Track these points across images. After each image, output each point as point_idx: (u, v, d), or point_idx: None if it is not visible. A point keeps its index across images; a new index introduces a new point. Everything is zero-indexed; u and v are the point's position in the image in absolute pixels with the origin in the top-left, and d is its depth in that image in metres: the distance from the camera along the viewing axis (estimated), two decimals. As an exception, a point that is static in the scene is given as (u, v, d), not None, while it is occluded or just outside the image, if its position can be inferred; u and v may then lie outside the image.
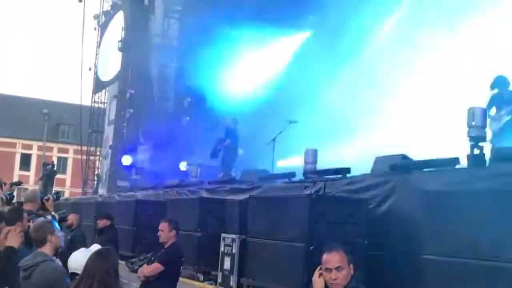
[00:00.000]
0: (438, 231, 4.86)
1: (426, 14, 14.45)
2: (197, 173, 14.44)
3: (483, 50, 12.41)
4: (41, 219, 5.10)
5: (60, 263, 4.52)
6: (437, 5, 14.08)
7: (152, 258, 6.50)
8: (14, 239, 4.59)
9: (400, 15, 15.88)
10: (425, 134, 12.59)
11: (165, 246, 6.45)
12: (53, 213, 6.34)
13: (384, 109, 14.28)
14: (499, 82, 9.96)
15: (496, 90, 9.98)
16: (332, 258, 3.68)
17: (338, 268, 3.64)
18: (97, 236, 9.49)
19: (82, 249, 4.47)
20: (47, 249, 4.48)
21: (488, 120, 7.39)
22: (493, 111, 9.78)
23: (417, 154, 7.58)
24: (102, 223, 9.37)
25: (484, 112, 6.45)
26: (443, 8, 13.82)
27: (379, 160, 7.89)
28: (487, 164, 5.96)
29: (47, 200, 6.66)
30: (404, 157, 7.58)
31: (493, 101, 9.97)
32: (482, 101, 9.62)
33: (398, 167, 7.01)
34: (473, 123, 6.26)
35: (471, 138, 6.20)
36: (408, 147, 8.02)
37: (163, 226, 6.51)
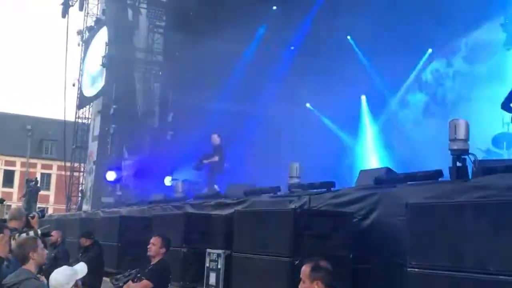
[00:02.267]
0: (422, 244, 4.88)
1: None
2: (182, 188, 14.40)
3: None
4: (24, 236, 5.06)
5: (45, 281, 4.49)
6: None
7: (138, 274, 6.46)
8: (0, 248, 4.55)
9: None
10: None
11: (152, 262, 6.42)
12: (37, 230, 6.29)
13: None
14: None
15: None
16: (302, 270, 4.04)
17: (301, 280, 3.97)
18: (82, 254, 9.42)
19: (65, 267, 4.44)
20: (30, 266, 4.44)
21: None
22: None
23: (400, 167, 7.65)
24: (84, 241, 9.33)
25: (467, 125, 6.49)
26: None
27: (363, 174, 7.94)
28: (470, 177, 6.02)
29: (33, 217, 6.62)
30: (388, 170, 7.65)
31: None
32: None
33: (382, 180, 7.06)
34: (455, 136, 6.32)
35: (453, 151, 6.26)
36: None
37: (156, 240, 6.49)
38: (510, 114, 8.76)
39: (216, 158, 14.14)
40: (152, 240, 6.53)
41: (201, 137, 15.35)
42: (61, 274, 4.11)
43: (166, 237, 6.69)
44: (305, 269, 3.97)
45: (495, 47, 16.29)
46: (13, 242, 5.03)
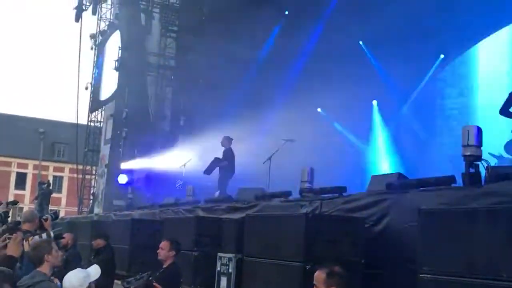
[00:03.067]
0: (434, 250, 4.87)
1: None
2: (193, 192, 14.43)
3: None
4: (38, 238, 5.10)
5: (59, 283, 4.52)
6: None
7: (150, 277, 6.50)
8: (14, 248, 4.59)
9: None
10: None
11: (164, 266, 6.45)
12: (50, 232, 6.34)
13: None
14: None
15: None
16: (316, 276, 4.03)
17: (314, 286, 3.99)
18: (93, 256, 9.46)
19: (78, 270, 4.47)
20: (45, 269, 4.48)
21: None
22: None
23: (412, 172, 7.63)
24: (98, 243, 9.35)
25: (480, 131, 6.47)
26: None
27: (375, 179, 7.92)
28: (482, 183, 5.99)
29: (46, 220, 6.67)
30: (400, 175, 7.63)
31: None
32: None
33: (394, 185, 7.04)
34: (468, 142, 6.29)
35: (466, 157, 6.23)
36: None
37: (165, 244, 6.53)
38: None
39: (226, 162, 14.15)
40: (161, 244, 6.56)
41: (213, 141, 15.37)
42: (74, 277, 4.15)
43: (174, 240, 6.72)
44: (320, 275, 3.95)
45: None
46: (25, 244, 5.08)
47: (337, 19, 17.31)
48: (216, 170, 14.44)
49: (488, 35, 17.27)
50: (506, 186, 5.37)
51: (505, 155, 13.56)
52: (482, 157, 6.29)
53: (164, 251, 6.49)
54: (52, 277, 4.50)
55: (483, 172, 6.21)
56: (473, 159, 6.21)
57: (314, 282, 3.96)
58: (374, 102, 19.33)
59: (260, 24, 16.96)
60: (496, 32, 17.17)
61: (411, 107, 18.72)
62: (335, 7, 17.97)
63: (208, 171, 14.45)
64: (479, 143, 6.33)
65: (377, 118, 19.32)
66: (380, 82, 18.05)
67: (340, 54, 17.34)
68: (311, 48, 19.01)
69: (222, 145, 14.46)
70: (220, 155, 14.40)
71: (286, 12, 19.35)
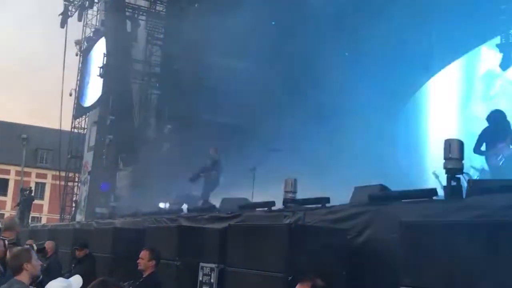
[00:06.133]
0: (415, 263, 4.90)
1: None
2: (176, 201, 14.39)
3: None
4: (18, 247, 5.06)
5: (38, 293, 4.48)
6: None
7: (130, 287, 6.46)
8: None
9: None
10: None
11: (143, 275, 6.41)
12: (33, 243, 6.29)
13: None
14: (494, 116, 10.26)
15: (488, 125, 10.25)
16: None
17: None
18: (74, 265, 9.39)
19: (60, 279, 4.43)
20: (23, 278, 4.44)
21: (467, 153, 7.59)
22: (483, 146, 10.10)
23: (395, 184, 7.66)
24: (81, 253, 9.29)
25: (461, 144, 6.54)
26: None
27: (357, 190, 7.95)
28: (463, 196, 6.04)
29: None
30: (382, 187, 7.66)
31: (484, 136, 10.26)
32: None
33: (377, 197, 7.07)
34: (450, 155, 6.35)
35: (448, 170, 6.28)
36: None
37: (144, 254, 6.48)
38: None
39: (213, 172, 14.16)
40: (141, 254, 6.52)
41: (198, 149, 15.36)
42: (55, 287, 4.11)
43: (154, 249, 6.68)
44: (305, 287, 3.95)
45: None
46: (9, 253, 5.03)
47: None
48: (202, 179, 14.42)
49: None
50: (487, 200, 5.42)
51: (486, 168, 13.69)
52: (463, 170, 6.34)
53: (144, 260, 6.45)
54: (31, 287, 4.46)
55: (465, 185, 6.27)
56: (454, 172, 6.26)
57: None
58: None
59: (244, 33, 17.00)
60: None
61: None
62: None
63: (194, 179, 14.43)
64: (461, 156, 6.39)
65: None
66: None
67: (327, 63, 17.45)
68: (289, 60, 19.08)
69: (210, 155, 14.47)
70: (206, 164, 14.41)
71: (273, 23, 19.42)
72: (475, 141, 10.67)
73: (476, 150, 10.67)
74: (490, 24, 16.15)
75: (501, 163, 10.19)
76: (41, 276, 4.83)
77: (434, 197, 6.32)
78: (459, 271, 4.52)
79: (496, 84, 17.18)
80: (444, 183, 6.30)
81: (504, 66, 16.25)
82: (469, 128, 15.02)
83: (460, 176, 6.25)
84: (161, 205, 15.90)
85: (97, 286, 3.29)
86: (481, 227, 4.61)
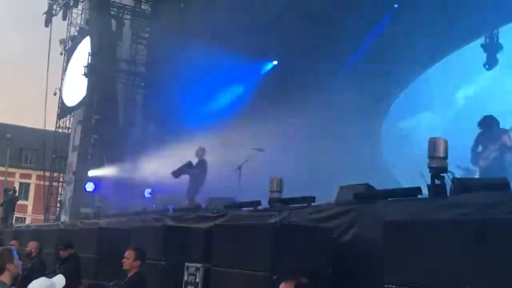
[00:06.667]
0: (399, 261, 4.91)
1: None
2: (162, 200, 14.32)
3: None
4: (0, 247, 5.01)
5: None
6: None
7: (114, 287, 6.42)
8: None
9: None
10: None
11: (128, 275, 6.38)
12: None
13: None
14: (487, 121, 10.73)
15: (482, 129, 10.72)
16: (282, 287, 3.97)
17: None
18: (59, 265, 9.32)
19: (43, 279, 4.40)
20: (5, 278, 4.40)
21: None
22: (479, 148, 10.55)
23: (381, 184, 7.70)
24: (65, 253, 9.21)
25: (446, 143, 6.57)
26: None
27: (343, 189, 7.97)
28: (448, 195, 6.08)
29: None
30: (367, 186, 7.69)
31: (479, 139, 10.68)
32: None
33: (362, 196, 7.10)
34: (435, 153, 6.37)
35: (432, 169, 6.31)
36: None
37: (129, 254, 6.45)
38: None
39: (197, 170, 14.12)
40: (126, 254, 6.48)
41: (183, 149, 15.31)
42: (39, 286, 4.08)
43: (140, 249, 6.65)
44: (288, 286, 3.91)
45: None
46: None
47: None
48: (186, 179, 14.36)
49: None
50: (470, 198, 5.46)
51: (471, 167, 13.81)
52: (448, 169, 6.38)
53: (129, 260, 6.41)
54: (12, 287, 4.42)
55: (449, 183, 6.31)
56: (439, 171, 6.29)
57: None
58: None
59: (229, 34, 17.01)
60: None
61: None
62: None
63: (177, 173, 14.34)
64: (445, 155, 6.42)
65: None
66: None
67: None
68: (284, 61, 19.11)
69: (196, 156, 14.43)
70: (192, 163, 14.37)
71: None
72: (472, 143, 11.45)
73: (473, 153, 11.47)
74: (475, 24, 16.29)
75: (487, 163, 10.56)
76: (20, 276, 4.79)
77: (419, 196, 6.36)
78: (444, 269, 4.54)
79: (481, 83, 17.33)
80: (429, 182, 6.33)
81: (489, 66, 16.46)
82: (454, 127, 15.11)
83: (445, 174, 6.28)
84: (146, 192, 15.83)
85: None
86: (464, 225, 4.63)
